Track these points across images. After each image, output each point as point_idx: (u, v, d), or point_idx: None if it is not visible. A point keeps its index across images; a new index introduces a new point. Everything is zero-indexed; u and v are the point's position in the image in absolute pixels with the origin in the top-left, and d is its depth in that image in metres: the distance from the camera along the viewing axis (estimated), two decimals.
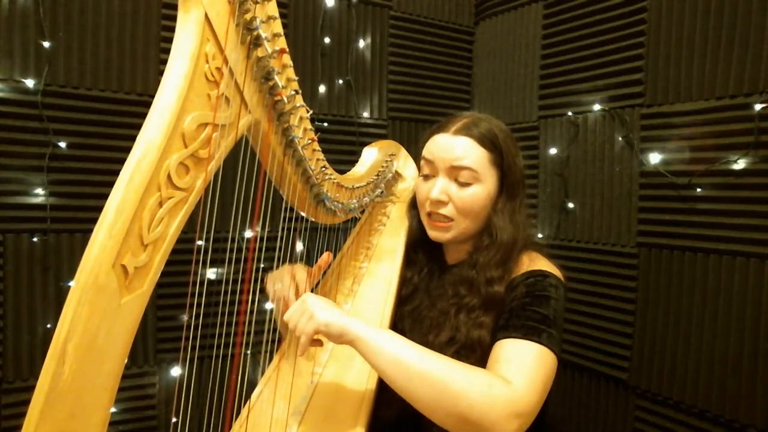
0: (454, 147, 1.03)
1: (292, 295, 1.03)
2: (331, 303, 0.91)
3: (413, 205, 1.18)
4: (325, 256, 1.09)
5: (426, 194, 1.06)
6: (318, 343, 0.93)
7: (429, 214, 1.08)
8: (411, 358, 0.82)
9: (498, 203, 1.05)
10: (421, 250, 1.19)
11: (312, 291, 1.19)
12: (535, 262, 1.03)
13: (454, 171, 1.03)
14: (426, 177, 1.09)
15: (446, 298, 1.06)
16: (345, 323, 0.85)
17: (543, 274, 0.99)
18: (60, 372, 0.53)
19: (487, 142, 1.03)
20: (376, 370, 0.86)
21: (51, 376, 0.53)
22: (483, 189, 1.03)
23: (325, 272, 1.18)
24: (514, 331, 0.90)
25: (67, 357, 0.53)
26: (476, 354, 0.95)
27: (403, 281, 1.19)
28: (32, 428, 0.53)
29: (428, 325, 1.07)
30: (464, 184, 1.03)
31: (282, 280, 1.07)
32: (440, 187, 1.04)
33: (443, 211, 1.05)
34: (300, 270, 1.10)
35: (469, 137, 1.03)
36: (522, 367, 0.85)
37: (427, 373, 0.80)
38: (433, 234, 1.09)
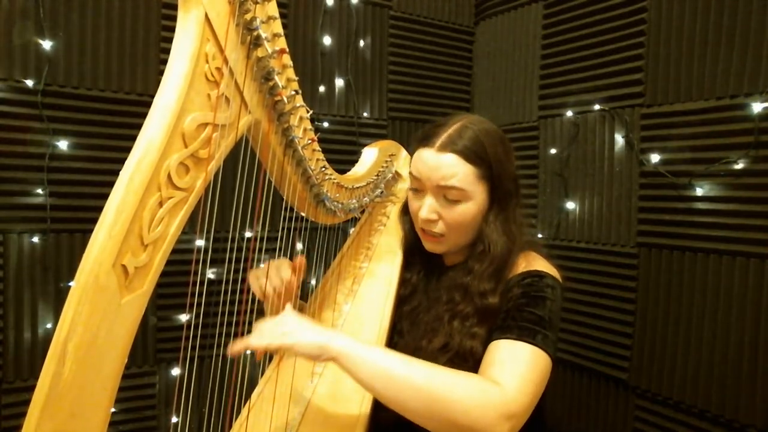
0: (440, 166, 0.99)
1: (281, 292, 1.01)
2: (311, 322, 0.86)
3: (405, 212, 1.17)
4: (300, 260, 1.05)
5: (416, 211, 1.05)
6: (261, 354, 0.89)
7: (422, 231, 1.07)
8: (398, 369, 0.80)
9: (489, 216, 1.03)
10: (418, 254, 1.18)
11: (311, 293, 1.20)
12: (531, 263, 1.02)
13: (442, 190, 1.00)
14: (415, 191, 1.07)
15: (441, 303, 1.06)
16: (324, 341, 0.81)
17: (539, 275, 0.98)
18: (60, 372, 0.53)
19: (473, 156, 0.99)
20: (363, 386, 0.82)
21: (51, 375, 0.53)
22: (473, 205, 1.01)
23: (326, 273, 1.18)
24: (508, 332, 0.90)
25: (67, 357, 0.53)
26: (468, 364, 0.95)
27: (403, 281, 1.18)
28: (33, 428, 0.53)
29: (423, 330, 1.06)
30: (453, 202, 1.01)
31: (268, 277, 1.02)
32: (429, 206, 1.02)
33: (435, 228, 1.03)
34: (284, 265, 1.06)
35: (453, 153, 0.98)
36: (515, 369, 0.85)
37: (415, 382, 0.79)
38: (428, 246, 1.08)
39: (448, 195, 1.00)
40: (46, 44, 1.46)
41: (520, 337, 0.89)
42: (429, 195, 1.02)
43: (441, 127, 1.03)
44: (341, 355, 0.81)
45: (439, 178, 0.99)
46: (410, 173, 1.06)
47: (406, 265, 1.20)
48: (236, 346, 0.82)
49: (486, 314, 0.98)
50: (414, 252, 1.18)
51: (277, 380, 1.01)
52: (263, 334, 0.83)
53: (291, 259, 1.07)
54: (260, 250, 1.43)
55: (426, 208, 1.02)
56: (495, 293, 0.98)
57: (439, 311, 1.05)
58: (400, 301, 1.16)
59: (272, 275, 1.02)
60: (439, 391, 0.79)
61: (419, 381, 0.79)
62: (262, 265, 1.07)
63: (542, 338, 0.89)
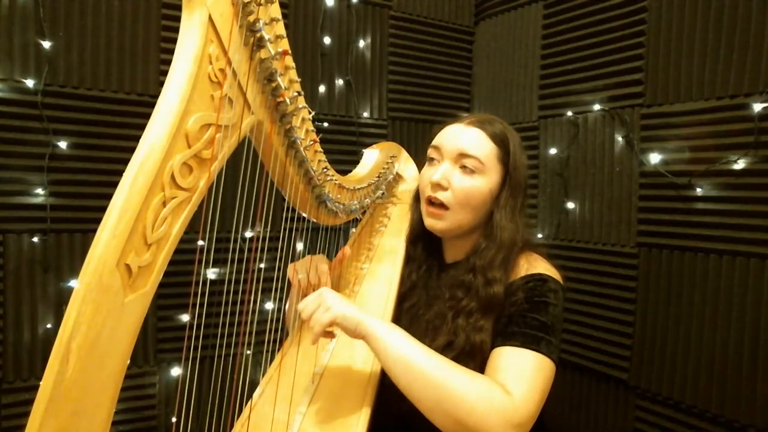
0: (465, 136, 1.05)
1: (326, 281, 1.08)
2: (346, 298, 0.93)
3: (416, 198, 1.19)
4: (346, 250, 1.14)
5: (428, 178, 1.07)
6: (330, 335, 0.96)
7: (428, 201, 1.08)
8: (417, 359, 0.84)
9: (500, 199, 1.05)
10: (421, 245, 1.19)
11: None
12: (533, 265, 1.02)
13: (461, 158, 1.04)
14: (431, 162, 1.10)
15: (443, 300, 1.06)
16: (360, 317, 0.88)
17: (542, 279, 0.99)
18: (64, 370, 0.53)
19: (498, 139, 1.05)
20: (384, 366, 0.88)
21: (55, 374, 0.53)
22: (485, 182, 1.03)
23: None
24: (512, 338, 0.91)
25: (71, 355, 0.54)
26: (476, 360, 0.95)
27: (403, 277, 1.19)
28: (36, 427, 0.53)
29: (424, 328, 1.06)
30: (468, 173, 1.04)
31: (306, 271, 1.10)
32: (443, 171, 1.05)
33: (441, 196, 1.05)
34: (321, 262, 1.12)
35: (481, 130, 1.05)
36: (521, 377, 0.86)
37: (431, 374, 0.82)
38: (428, 221, 1.09)
39: (465, 164, 1.04)
40: (46, 44, 1.46)
41: (524, 345, 0.89)
42: (446, 161, 1.06)
43: (473, 113, 1.13)
44: (371, 334, 0.87)
45: (461, 146, 1.04)
46: (431, 145, 1.10)
47: (408, 259, 1.21)
48: (313, 340, 0.90)
49: (490, 305, 0.99)
50: (418, 243, 1.19)
51: (279, 380, 1.01)
52: (312, 320, 0.89)
53: (293, 260, 1.08)
54: (262, 250, 1.43)
55: (440, 171, 1.05)
56: (501, 283, 0.99)
57: (441, 308, 1.05)
58: (400, 299, 1.16)
59: (311, 268, 1.09)
60: (450, 387, 0.81)
61: (434, 374, 0.82)
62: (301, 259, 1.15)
63: (546, 344, 0.89)
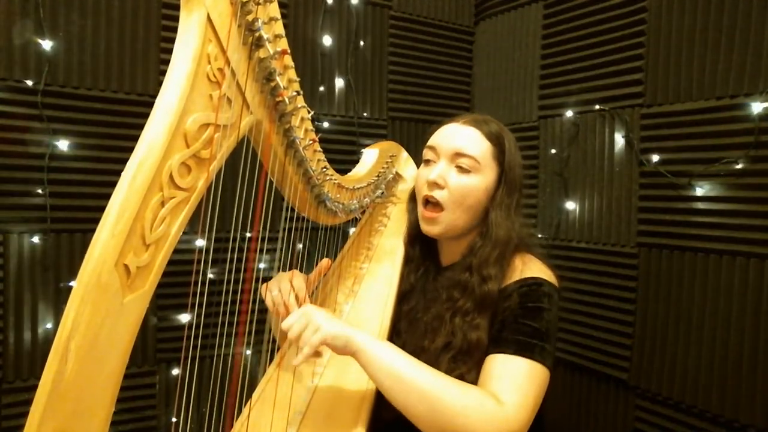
0: (460, 135, 1.05)
1: (293, 301, 1.03)
2: (332, 315, 0.91)
3: (412, 198, 1.19)
4: (325, 262, 1.10)
5: (425, 178, 1.07)
6: (318, 354, 0.94)
7: (424, 200, 1.08)
8: (409, 373, 0.84)
9: (496, 198, 1.05)
10: (418, 246, 1.19)
11: (312, 293, 1.19)
12: (528, 266, 1.02)
13: (456, 157, 1.04)
14: (427, 163, 1.10)
15: (440, 302, 1.06)
16: (349, 334, 0.86)
17: (537, 282, 0.98)
18: (62, 371, 0.53)
19: (493, 138, 1.05)
20: (374, 382, 0.87)
21: (53, 374, 0.53)
22: (481, 181, 1.04)
23: (324, 275, 1.18)
24: (506, 345, 0.91)
25: (69, 356, 0.53)
26: (473, 359, 0.96)
27: (402, 277, 1.19)
28: (35, 427, 0.53)
29: (423, 330, 1.06)
30: (464, 171, 1.04)
31: (279, 287, 1.06)
32: (439, 170, 1.05)
33: (437, 194, 1.05)
34: (297, 276, 1.09)
35: (476, 129, 1.05)
36: (514, 385, 0.86)
37: (423, 388, 0.82)
38: (425, 227, 1.09)
39: (460, 163, 1.04)
40: (46, 44, 1.46)
41: (517, 352, 0.89)
42: (442, 161, 1.06)
43: (469, 113, 1.11)
44: (361, 350, 0.85)
45: (456, 145, 1.05)
46: (427, 145, 1.10)
47: (406, 260, 1.21)
48: (301, 360, 0.86)
49: (485, 303, 0.99)
50: (415, 243, 1.19)
51: (278, 381, 1.01)
52: (301, 340, 0.86)
53: (292, 259, 1.07)
54: (261, 250, 1.43)
55: (436, 171, 1.05)
56: (496, 280, 0.99)
57: (438, 310, 1.05)
58: (399, 298, 1.16)
59: (284, 284, 1.05)
60: (443, 400, 0.81)
61: (426, 387, 0.82)
62: (275, 275, 1.10)
63: (540, 351, 0.89)
